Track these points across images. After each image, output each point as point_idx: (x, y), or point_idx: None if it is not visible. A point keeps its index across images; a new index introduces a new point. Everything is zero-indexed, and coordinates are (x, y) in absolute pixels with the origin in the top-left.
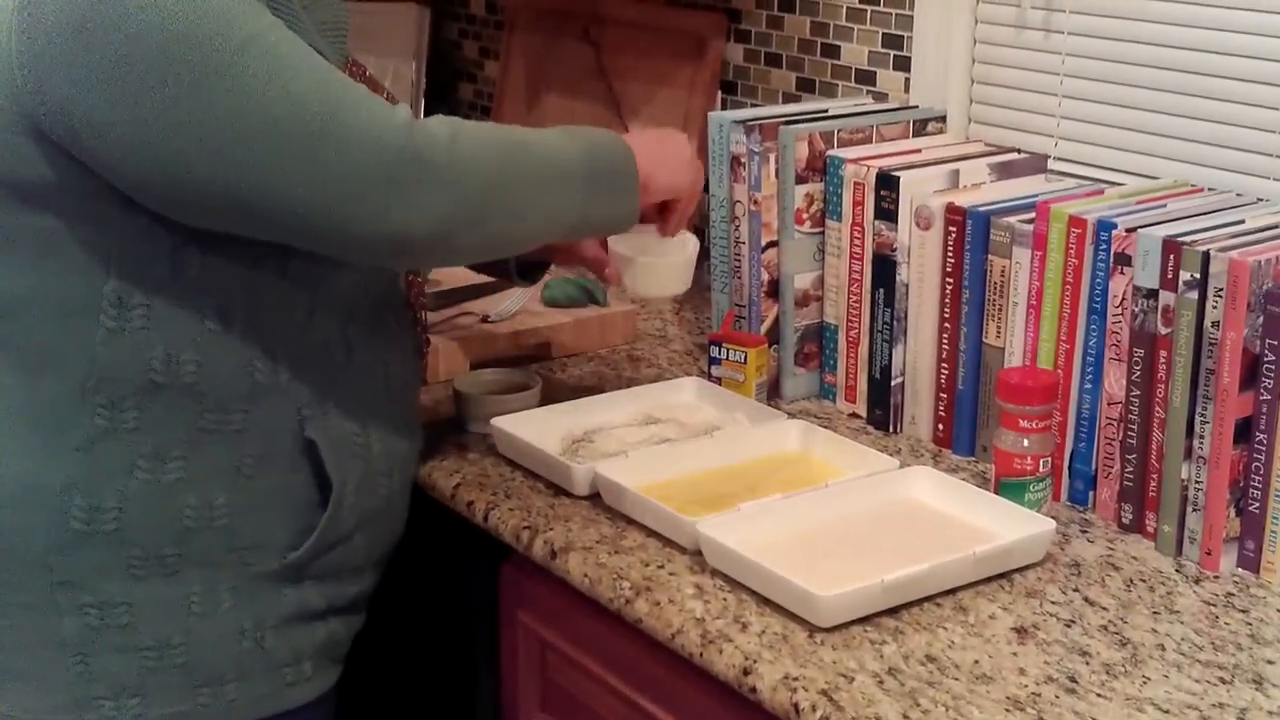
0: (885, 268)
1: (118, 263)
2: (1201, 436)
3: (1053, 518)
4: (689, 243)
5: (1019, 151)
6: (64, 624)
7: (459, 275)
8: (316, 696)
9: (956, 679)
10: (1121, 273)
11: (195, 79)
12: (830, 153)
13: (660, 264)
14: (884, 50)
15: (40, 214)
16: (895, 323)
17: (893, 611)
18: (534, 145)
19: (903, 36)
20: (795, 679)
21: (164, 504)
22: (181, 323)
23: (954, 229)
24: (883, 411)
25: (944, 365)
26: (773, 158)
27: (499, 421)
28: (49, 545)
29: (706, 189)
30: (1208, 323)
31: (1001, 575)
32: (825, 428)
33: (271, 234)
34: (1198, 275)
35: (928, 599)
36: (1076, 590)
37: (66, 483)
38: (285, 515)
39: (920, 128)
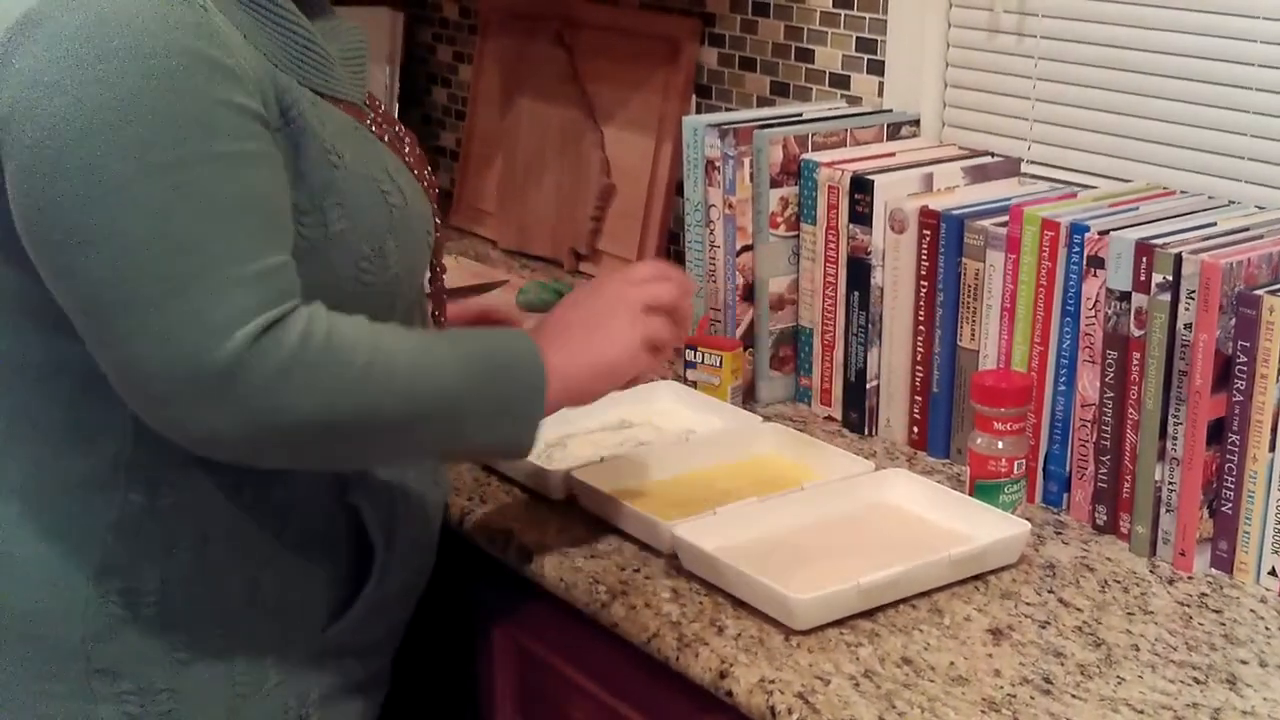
0: (860, 271)
1: None
2: (1174, 438)
3: (1027, 519)
4: None
5: (992, 155)
6: (100, 713)
7: (452, 277)
8: None
9: (932, 681)
10: (1094, 275)
11: (97, 180)
12: (804, 156)
13: None
14: (858, 54)
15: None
16: (870, 326)
17: (868, 614)
18: (401, 375)
19: (876, 40)
20: (771, 682)
21: (207, 584)
22: None
23: (928, 232)
24: (858, 414)
25: (919, 368)
26: (747, 162)
27: None
28: (86, 633)
29: (680, 191)
30: (1180, 325)
31: (976, 577)
32: (800, 431)
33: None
34: (1170, 278)
35: (903, 601)
36: (1051, 592)
37: (103, 565)
38: (326, 584)
39: (894, 131)
